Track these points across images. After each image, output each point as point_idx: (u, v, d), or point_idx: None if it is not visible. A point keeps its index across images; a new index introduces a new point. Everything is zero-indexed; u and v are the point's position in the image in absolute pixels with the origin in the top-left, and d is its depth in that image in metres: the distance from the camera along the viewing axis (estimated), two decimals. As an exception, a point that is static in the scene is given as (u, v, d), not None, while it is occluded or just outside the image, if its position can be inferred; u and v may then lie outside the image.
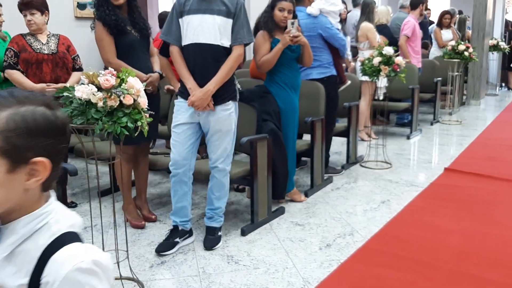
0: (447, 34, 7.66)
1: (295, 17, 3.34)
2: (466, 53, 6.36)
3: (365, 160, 4.67)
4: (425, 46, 8.03)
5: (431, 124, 6.58)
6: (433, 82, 6.47)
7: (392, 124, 6.66)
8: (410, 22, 6.07)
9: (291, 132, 3.49)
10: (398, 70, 4.30)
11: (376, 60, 4.30)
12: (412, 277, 2.53)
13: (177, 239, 2.84)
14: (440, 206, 3.53)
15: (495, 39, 9.25)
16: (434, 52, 7.77)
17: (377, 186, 3.99)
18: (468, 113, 7.47)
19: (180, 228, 2.87)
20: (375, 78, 4.36)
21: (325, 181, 4.00)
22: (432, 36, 7.96)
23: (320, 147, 3.85)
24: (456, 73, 6.73)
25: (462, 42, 6.48)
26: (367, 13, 5.39)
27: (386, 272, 2.58)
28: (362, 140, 5.42)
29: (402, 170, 4.43)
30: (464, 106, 8.12)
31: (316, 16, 3.95)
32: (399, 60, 4.31)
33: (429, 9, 9.91)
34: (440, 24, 7.70)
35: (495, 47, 9.12)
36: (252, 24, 4.25)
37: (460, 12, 8.93)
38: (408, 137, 5.72)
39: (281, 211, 3.40)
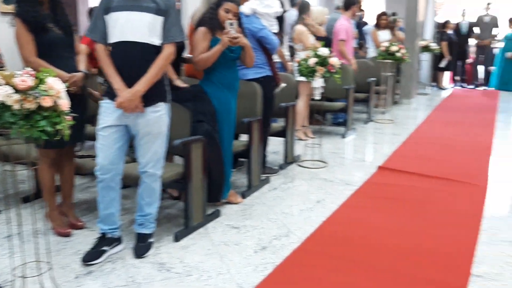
0: (383, 35, 7.88)
1: (239, 19, 3.33)
2: (398, 54, 6.58)
3: (302, 160, 4.71)
4: (360, 46, 8.24)
5: (365, 123, 6.75)
6: (367, 82, 6.64)
7: (328, 123, 6.77)
8: (343, 25, 6.18)
9: (227, 133, 3.43)
10: (333, 70, 4.36)
11: (312, 60, 4.33)
12: (348, 278, 2.54)
13: (105, 248, 2.70)
14: (374, 205, 3.61)
15: (426, 41, 9.66)
16: (372, 52, 7.98)
17: (313, 185, 4.02)
18: (400, 112, 7.74)
19: (108, 235, 2.73)
20: (311, 78, 4.39)
21: (262, 181, 3.98)
22: (369, 37, 8.18)
23: (257, 148, 3.83)
24: (389, 73, 6.94)
25: (395, 44, 6.69)
26: (303, 12, 5.45)
27: (322, 274, 2.58)
28: (300, 139, 5.46)
29: (337, 169, 4.49)
30: (397, 105, 8.40)
31: (248, 16, 3.92)
32: (333, 61, 4.36)
33: (363, 10, 10.19)
34: (378, 25, 7.91)
35: (426, 48, 9.51)
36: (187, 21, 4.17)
37: (393, 14, 9.23)
38: (343, 136, 5.83)
39: (216, 214, 3.33)
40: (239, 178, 4.18)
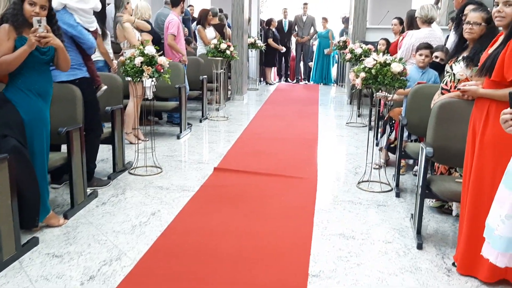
0: (209, 33, 7.89)
1: (51, 15, 2.93)
2: (228, 52, 6.60)
3: (134, 166, 4.37)
4: (188, 42, 8.12)
5: (200, 121, 6.66)
6: (199, 80, 6.55)
7: (162, 123, 6.53)
8: (174, 21, 6.00)
9: (40, 147, 2.96)
10: (162, 70, 4.11)
11: (138, 60, 4.02)
12: (185, 299, 2.37)
13: None
14: (212, 209, 3.49)
15: (253, 38, 9.98)
16: (201, 49, 7.92)
17: (147, 195, 3.74)
18: (234, 108, 7.85)
19: None
20: (138, 79, 4.07)
21: (88, 197, 3.56)
22: (197, 34, 8.10)
23: (80, 160, 3.41)
24: (220, 70, 6.95)
25: (224, 41, 6.71)
26: (119, 7, 5.12)
27: (158, 298, 2.36)
28: (131, 143, 5.11)
29: (173, 174, 4.28)
30: (230, 101, 8.53)
31: (58, 11, 3.47)
32: (162, 60, 4.12)
33: (192, 6, 10.11)
34: (203, 23, 7.87)
35: (253, 45, 9.84)
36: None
37: (220, 11, 9.32)
38: (178, 137, 5.63)
39: (34, 243, 2.85)
40: (61, 195, 3.70)
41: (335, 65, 11.82)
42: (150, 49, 4.10)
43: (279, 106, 8.24)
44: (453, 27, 4.29)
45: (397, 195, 3.83)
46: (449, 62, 3.43)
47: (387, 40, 6.63)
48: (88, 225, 3.17)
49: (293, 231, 3.15)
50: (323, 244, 2.95)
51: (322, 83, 11.69)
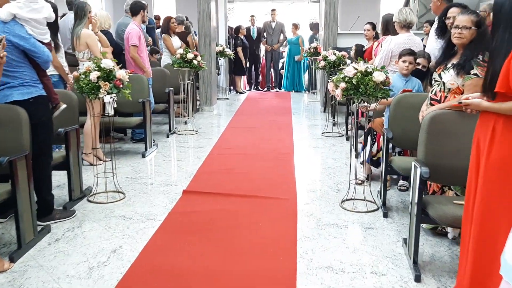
0: (175, 41, 7.51)
1: None
2: (195, 62, 6.21)
3: (94, 193, 3.92)
4: (155, 52, 7.71)
5: (168, 136, 6.23)
6: (165, 92, 6.14)
7: (127, 140, 6.07)
8: (135, 31, 5.59)
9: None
10: (121, 86, 3.70)
11: (94, 75, 3.59)
12: None
13: None
14: (180, 242, 3.09)
15: (221, 46, 9.62)
16: (166, 59, 7.51)
17: (108, 227, 3.31)
18: (203, 120, 7.46)
19: None
20: (95, 97, 3.64)
21: (39, 233, 3.10)
22: (162, 43, 7.69)
23: (27, 192, 2.96)
24: (188, 81, 6.55)
25: (190, 51, 6.31)
26: (82, 17, 4.68)
27: None
28: (91, 164, 4.66)
29: (137, 200, 3.85)
30: (199, 112, 8.13)
31: (7, 22, 3.05)
32: (121, 74, 3.70)
33: (158, 15, 9.71)
34: (168, 31, 7.48)
35: (221, 53, 9.48)
36: None
37: (186, 19, 8.93)
38: (143, 155, 5.20)
39: (-31, 296, 2.41)
40: (8, 231, 3.23)
41: (306, 71, 11.56)
42: (108, 63, 3.69)
43: (250, 117, 7.89)
44: (434, 32, 4.05)
45: (385, 215, 3.52)
46: (437, 69, 3.15)
47: (362, 47, 6.38)
48: (38, 268, 2.72)
49: (274, 267, 2.77)
50: (309, 281, 2.59)
51: (293, 91, 11.42)
